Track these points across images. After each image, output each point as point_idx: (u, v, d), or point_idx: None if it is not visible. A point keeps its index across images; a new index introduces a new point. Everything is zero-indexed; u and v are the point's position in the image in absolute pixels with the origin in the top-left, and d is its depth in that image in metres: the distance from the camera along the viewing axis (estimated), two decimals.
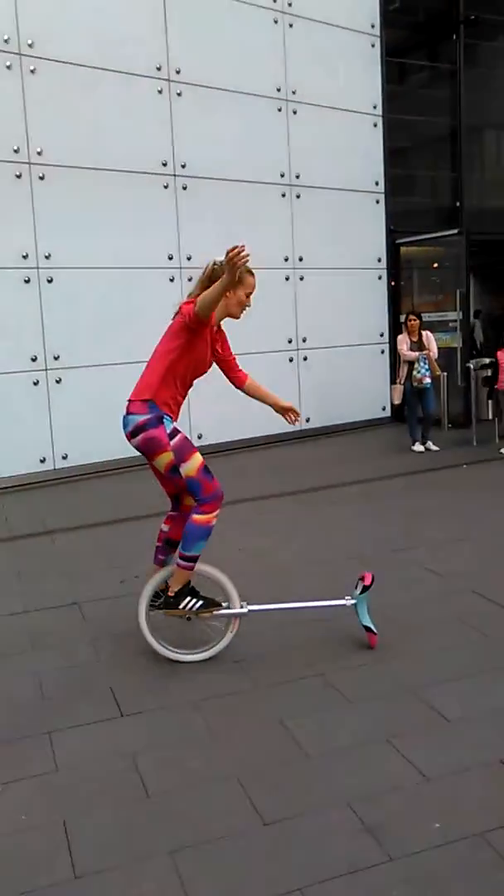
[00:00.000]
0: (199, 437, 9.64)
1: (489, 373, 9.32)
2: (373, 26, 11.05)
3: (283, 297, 10.42)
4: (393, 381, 9.69)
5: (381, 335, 11.42)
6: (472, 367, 10.02)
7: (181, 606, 3.82)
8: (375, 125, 11.20)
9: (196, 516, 3.74)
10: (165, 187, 9.31)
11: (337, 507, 6.94)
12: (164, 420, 3.71)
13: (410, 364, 9.19)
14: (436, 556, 5.34)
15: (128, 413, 3.74)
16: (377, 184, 11.24)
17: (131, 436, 3.73)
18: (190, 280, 9.40)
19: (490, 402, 9.63)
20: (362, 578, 4.04)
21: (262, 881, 2.37)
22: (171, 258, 9.39)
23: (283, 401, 4.23)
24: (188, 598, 3.84)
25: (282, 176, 10.31)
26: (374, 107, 11.16)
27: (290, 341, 10.50)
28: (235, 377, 4.16)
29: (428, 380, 9.17)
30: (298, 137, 10.39)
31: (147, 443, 3.69)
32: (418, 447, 9.29)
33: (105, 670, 3.88)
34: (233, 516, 6.74)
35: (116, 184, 8.89)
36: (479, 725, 3.17)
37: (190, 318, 3.64)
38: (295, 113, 10.35)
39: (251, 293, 4.06)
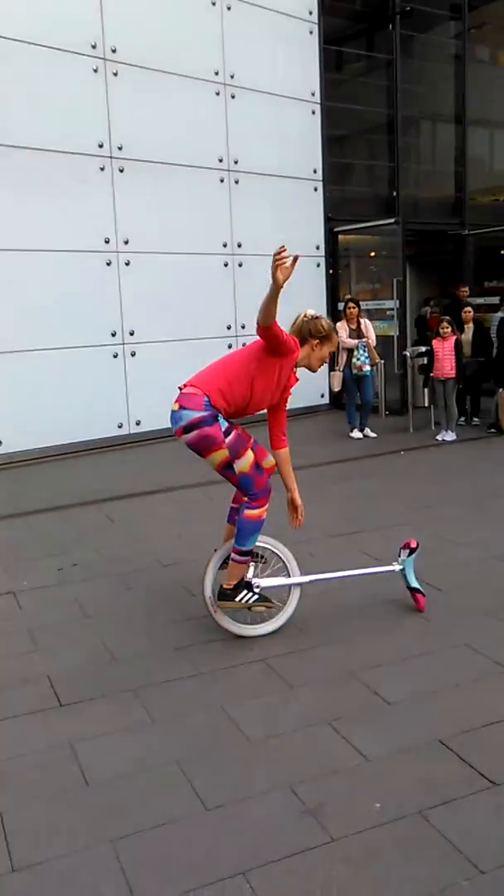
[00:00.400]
0: (138, 423, 9.56)
1: (425, 361, 9.46)
2: (310, 13, 11.03)
3: (221, 284, 10.36)
4: (332, 368, 9.75)
5: None
6: (408, 355, 10.16)
7: (237, 599, 3.86)
8: (314, 112, 11.20)
9: (248, 511, 3.81)
10: (102, 169, 9.13)
11: (276, 493, 6.93)
12: (219, 418, 3.68)
13: (350, 351, 9.26)
14: (374, 542, 5.40)
15: (181, 408, 3.70)
16: (315, 171, 11.26)
17: (183, 431, 3.69)
18: (128, 265, 9.34)
19: (426, 389, 9.79)
20: (407, 545, 4.23)
21: (204, 867, 2.35)
22: (107, 242, 9.22)
23: (298, 496, 4.18)
24: (244, 592, 3.88)
25: (220, 161, 10.23)
26: (313, 94, 11.16)
27: (228, 328, 10.45)
28: (276, 436, 4.05)
29: (367, 367, 9.27)
30: (237, 122, 10.32)
31: (202, 440, 3.68)
32: (356, 434, 9.38)
33: (42, 659, 3.80)
34: (173, 503, 6.71)
35: (51, 165, 8.67)
36: (417, 707, 3.22)
37: (257, 329, 3.58)
38: (233, 97, 10.27)
39: (333, 351, 4.09)
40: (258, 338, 3.71)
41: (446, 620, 4.06)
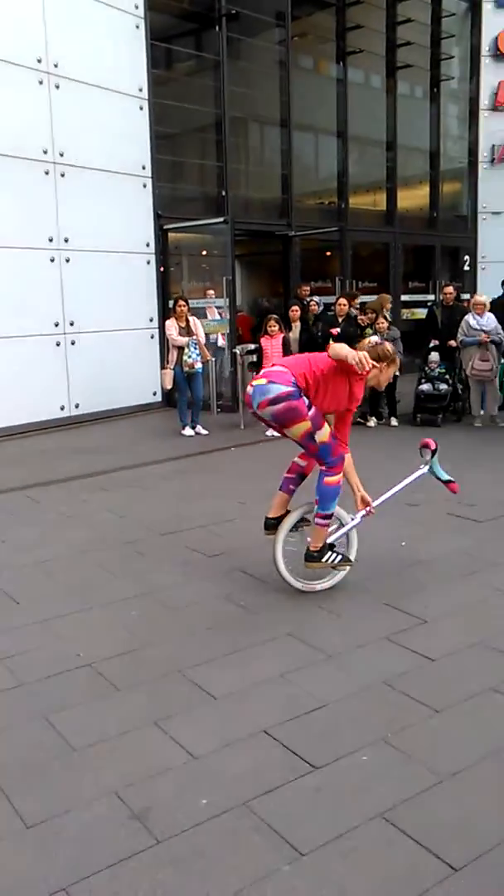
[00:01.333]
0: (77, 406, 9.08)
1: (255, 358, 9.65)
2: (136, 7, 10.90)
3: (48, 279, 10.02)
4: (163, 366, 9.72)
5: (151, 320, 11.39)
6: (238, 352, 10.32)
7: (324, 560, 4.32)
8: (142, 108, 11.09)
9: (328, 479, 4.28)
10: None
11: (107, 493, 6.84)
12: (303, 394, 4.11)
13: (180, 349, 9.27)
14: (204, 538, 5.44)
15: (269, 382, 4.13)
16: (144, 168, 11.15)
17: (270, 403, 4.11)
18: None
19: None
20: (426, 445, 4.59)
21: (24, 887, 2.26)
22: None
23: (366, 494, 4.58)
24: (329, 553, 4.35)
25: (45, 153, 9.88)
26: (140, 90, 11.05)
27: (56, 325, 10.14)
28: (341, 443, 4.40)
29: (199, 364, 9.31)
30: (62, 113, 10.01)
31: (289, 412, 4.11)
32: (188, 431, 9.41)
33: None
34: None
35: None
36: (243, 699, 3.27)
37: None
38: (58, 87, 9.95)
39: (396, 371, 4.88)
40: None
41: (270, 612, 4.16)
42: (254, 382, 4.27)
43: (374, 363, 4.16)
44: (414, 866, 2.31)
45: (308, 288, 11.94)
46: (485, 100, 16.17)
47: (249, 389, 4.29)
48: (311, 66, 14.97)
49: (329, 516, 4.32)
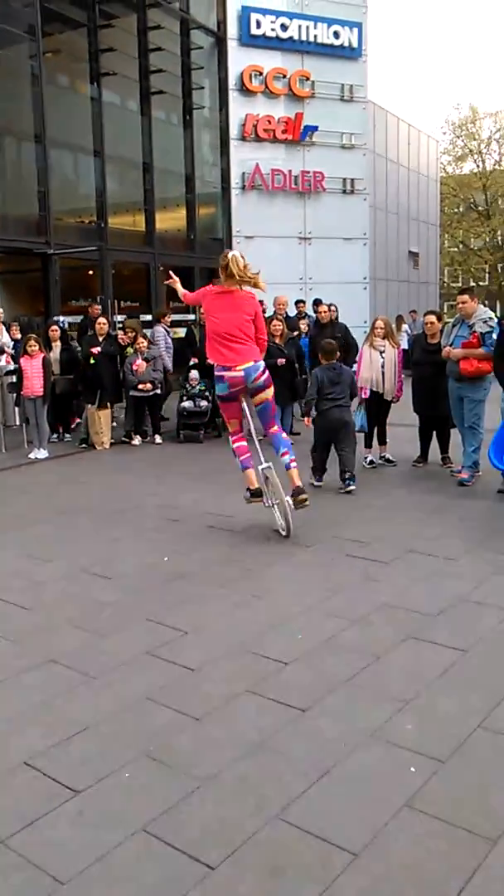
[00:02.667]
0: None
1: (14, 379, 9.35)
2: None
3: None
4: None
5: None
6: None
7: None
8: None
9: (283, 433, 6.10)
10: None
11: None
12: None
13: None
14: None
15: (255, 361, 5.62)
16: None
17: (262, 373, 5.64)
18: None
19: (17, 408, 9.69)
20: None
21: None
22: None
23: None
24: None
25: None
26: None
27: None
28: None
29: None
30: None
31: (268, 380, 5.71)
32: None
33: None
34: None
35: None
36: (4, 731, 3.17)
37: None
38: None
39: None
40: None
41: (31, 639, 4.07)
42: (240, 367, 5.54)
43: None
44: (174, 872, 2.39)
45: (98, 307, 11.74)
46: (234, 130, 17.02)
47: (238, 374, 5.55)
48: (67, 83, 14.87)
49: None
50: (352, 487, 6.88)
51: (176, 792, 2.76)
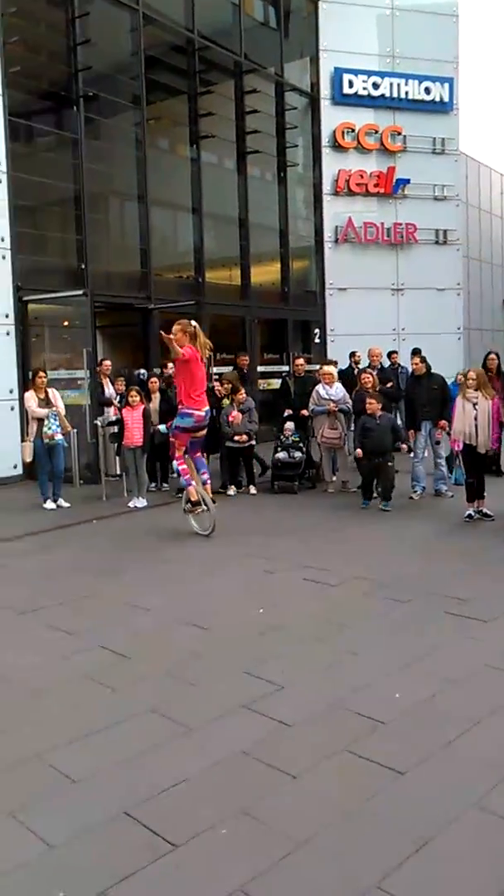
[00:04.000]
0: None
1: (116, 429, 9.69)
2: None
3: None
4: (23, 439, 9.58)
5: (11, 392, 11.22)
6: (99, 423, 10.33)
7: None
8: (0, 181, 11.15)
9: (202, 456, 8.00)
10: None
11: None
12: None
13: (40, 421, 9.18)
14: (63, 615, 5.36)
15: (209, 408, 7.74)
16: (3, 239, 11.15)
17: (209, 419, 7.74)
18: None
19: (118, 458, 10.02)
20: None
21: None
22: None
23: None
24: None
25: None
26: None
27: None
28: None
29: (59, 436, 9.24)
30: None
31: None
32: (50, 504, 9.26)
33: None
34: None
35: None
36: (104, 781, 3.25)
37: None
38: None
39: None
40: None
41: (133, 688, 4.16)
42: (203, 409, 7.44)
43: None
44: None
45: (246, 358, 12.47)
46: (327, 185, 17.42)
47: (202, 413, 7.42)
48: (167, 147, 15.61)
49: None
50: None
51: (272, 853, 2.75)
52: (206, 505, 7.63)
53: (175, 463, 7.97)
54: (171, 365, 10.94)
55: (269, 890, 2.57)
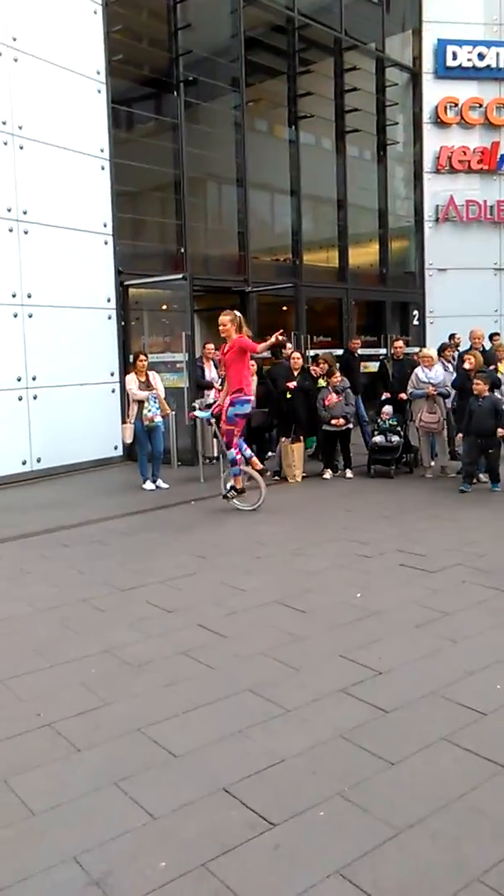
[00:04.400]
0: (39, 460, 9.05)
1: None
2: (98, 73, 11.29)
3: (11, 334, 10.12)
4: (123, 420, 9.83)
5: (112, 374, 11.53)
6: (197, 406, 10.47)
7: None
8: (103, 168, 11.40)
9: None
10: None
11: (68, 549, 6.86)
12: None
13: (140, 403, 9.39)
14: (163, 593, 5.49)
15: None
16: (105, 225, 11.42)
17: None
18: None
19: (215, 440, 10.13)
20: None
21: None
22: None
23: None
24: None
25: (9, 211, 10.08)
26: (102, 150, 11.37)
27: (19, 379, 10.20)
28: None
29: (158, 418, 9.43)
30: (26, 173, 10.25)
31: None
32: (149, 485, 9.48)
33: None
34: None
35: None
36: (203, 757, 3.31)
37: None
38: (22, 148, 10.20)
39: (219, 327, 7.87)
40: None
41: (230, 667, 4.22)
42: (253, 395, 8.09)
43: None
44: None
45: (358, 342, 12.66)
46: (427, 163, 16.95)
47: (253, 398, 8.19)
48: (266, 129, 15.55)
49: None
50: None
51: (371, 837, 2.74)
52: (255, 480, 8.10)
53: (233, 451, 7.99)
54: (212, 350, 11.32)
55: (369, 874, 2.56)
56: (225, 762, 3.26)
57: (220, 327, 7.78)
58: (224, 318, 7.76)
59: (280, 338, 8.11)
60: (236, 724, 3.57)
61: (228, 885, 2.53)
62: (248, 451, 8.17)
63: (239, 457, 7.99)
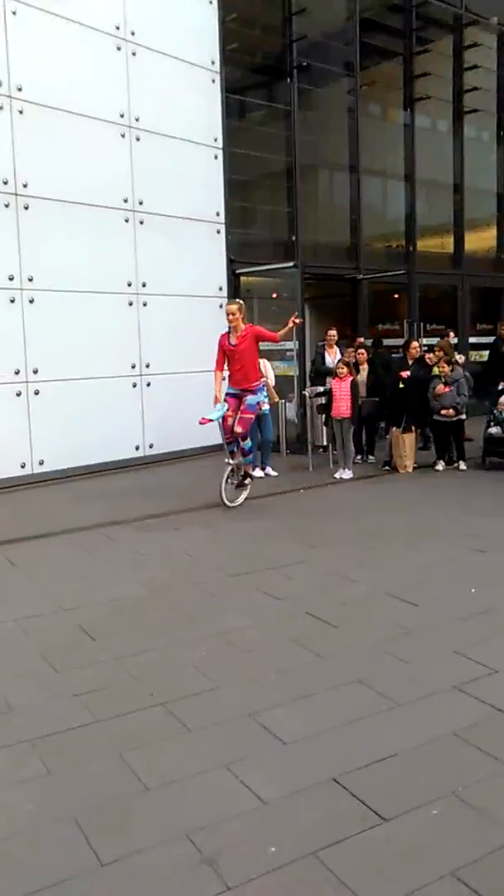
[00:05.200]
0: (41, 462, 9.40)
1: (324, 400, 9.73)
2: (213, 63, 11.36)
3: (126, 322, 10.38)
4: None
5: None
6: (307, 394, 10.43)
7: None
8: (216, 157, 11.48)
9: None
10: (6, 206, 9.05)
11: (179, 533, 6.99)
12: None
13: None
14: (273, 580, 5.50)
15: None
16: (218, 214, 11.51)
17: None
18: (32, 302, 9.23)
19: (325, 428, 10.07)
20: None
21: None
22: (11, 279, 9.11)
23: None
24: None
25: (125, 201, 10.32)
26: (216, 139, 11.45)
27: (133, 366, 10.46)
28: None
29: (266, 406, 9.44)
30: (141, 164, 10.46)
31: None
32: (258, 472, 9.51)
33: None
34: (73, 545, 6.60)
35: None
36: (313, 746, 3.30)
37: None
38: (138, 140, 10.42)
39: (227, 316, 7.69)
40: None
41: (340, 657, 4.18)
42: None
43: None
44: None
45: (360, 339, 12.11)
46: None
47: None
48: (380, 113, 15.23)
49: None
50: None
51: (487, 840, 2.65)
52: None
53: (249, 441, 7.96)
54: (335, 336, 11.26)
55: (484, 878, 2.47)
56: (335, 752, 3.23)
57: (229, 317, 7.64)
58: (232, 307, 7.64)
59: (296, 321, 7.81)
60: (347, 714, 3.54)
61: (339, 876, 2.50)
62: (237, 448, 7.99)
63: (241, 449, 7.89)
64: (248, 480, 8.09)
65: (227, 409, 7.70)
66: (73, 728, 3.48)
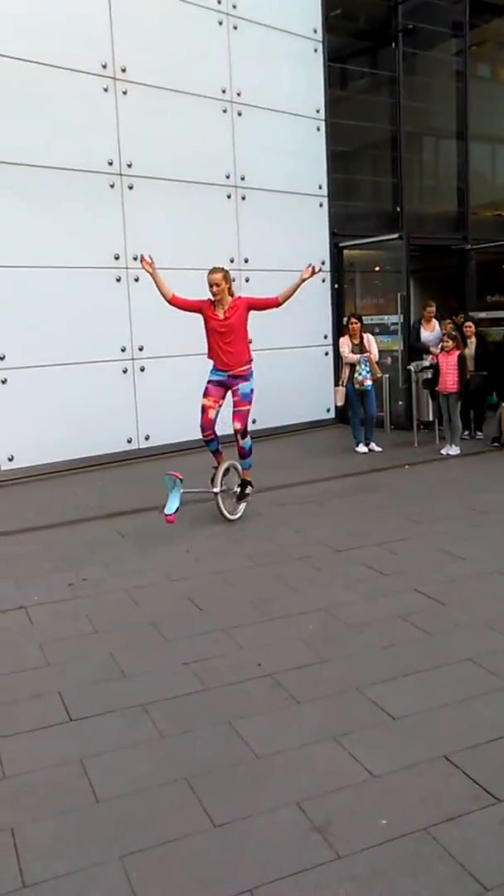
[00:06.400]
0: (147, 438, 9.63)
1: (430, 375, 9.50)
2: (315, 31, 11.16)
3: None
4: (336, 383, 9.82)
5: (325, 337, 11.55)
6: (412, 369, 10.20)
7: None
8: (318, 129, 11.31)
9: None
10: (112, 186, 9.24)
11: (283, 508, 7.01)
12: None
13: (352, 366, 9.32)
14: (379, 556, 5.44)
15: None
16: (320, 187, 11.36)
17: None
18: (137, 281, 9.41)
19: (431, 403, 9.84)
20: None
21: (212, 884, 2.39)
22: (117, 258, 9.32)
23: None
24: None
25: (227, 177, 10.34)
26: (318, 111, 11.27)
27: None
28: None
29: (369, 382, 9.30)
30: (243, 139, 10.43)
31: None
32: (362, 448, 9.42)
33: (52, 674, 3.84)
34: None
35: (61, 182, 8.78)
36: (423, 722, 3.25)
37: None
38: (240, 115, 10.39)
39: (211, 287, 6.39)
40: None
41: (449, 635, 4.10)
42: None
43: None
44: None
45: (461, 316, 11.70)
46: None
47: None
48: (489, 74, 14.59)
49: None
50: None
51: None
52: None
53: (248, 439, 6.61)
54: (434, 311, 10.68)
55: None
56: (446, 730, 3.18)
57: (213, 288, 6.31)
58: (216, 276, 6.30)
59: (316, 269, 6.60)
60: (457, 692, 3.47)
61: (451, 853, 2.47)
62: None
63: (239, 449, 6.61)
64: (248, 490, 6.64)
65: (210, 400, 6.45)
66: (184, 695, 3.56)
